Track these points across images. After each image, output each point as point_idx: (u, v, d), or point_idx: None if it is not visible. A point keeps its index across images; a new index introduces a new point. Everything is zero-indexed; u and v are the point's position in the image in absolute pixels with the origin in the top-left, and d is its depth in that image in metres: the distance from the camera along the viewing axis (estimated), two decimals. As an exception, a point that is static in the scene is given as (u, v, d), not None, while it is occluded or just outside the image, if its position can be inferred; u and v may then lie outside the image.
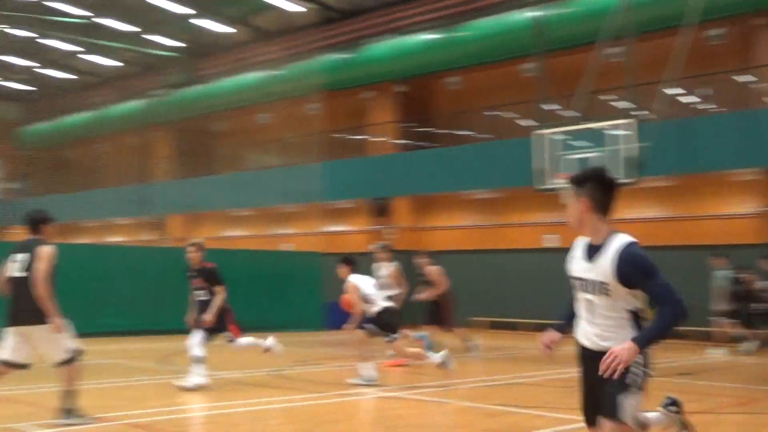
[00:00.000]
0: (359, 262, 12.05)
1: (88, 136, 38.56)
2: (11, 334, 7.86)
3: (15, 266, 7.94)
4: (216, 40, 32.66)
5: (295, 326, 21.31)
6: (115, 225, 37.73)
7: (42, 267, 7.81)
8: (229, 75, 31.44)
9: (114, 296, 20.32)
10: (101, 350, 16.41)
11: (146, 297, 20.40)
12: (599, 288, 4.18)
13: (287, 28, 30.34)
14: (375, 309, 11.53)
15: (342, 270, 11.74)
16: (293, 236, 30.10)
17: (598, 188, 4.24)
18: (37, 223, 8.12)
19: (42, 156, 41.66)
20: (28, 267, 7.84)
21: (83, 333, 19.12)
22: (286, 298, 23.18)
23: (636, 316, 4.19)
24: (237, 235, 32.26)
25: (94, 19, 31.05)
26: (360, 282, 11.66)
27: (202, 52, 33.53)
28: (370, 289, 11.70)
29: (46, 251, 7.90)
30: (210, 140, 34.89)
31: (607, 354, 3.99)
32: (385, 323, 11.49)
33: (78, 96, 39.46)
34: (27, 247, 8.00)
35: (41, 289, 7.74)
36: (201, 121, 34.07)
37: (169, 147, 35.36)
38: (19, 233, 34.47)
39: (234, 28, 31.55)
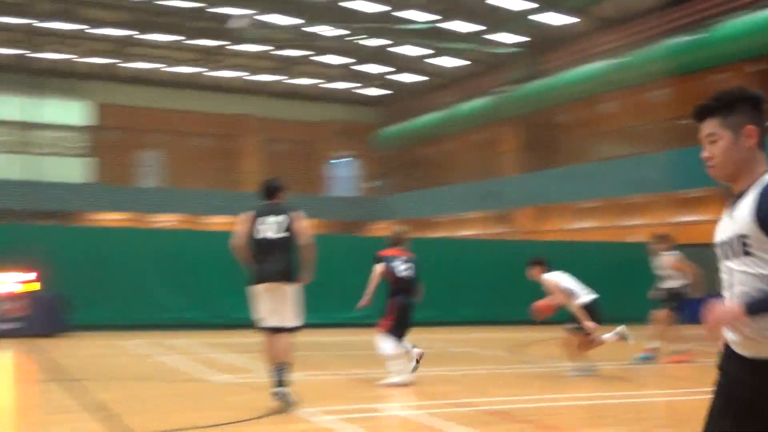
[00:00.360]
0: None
1: (438, 135, 40.43)
2: (264, 292, 8.30)
3: (268, 228, 8.33)
4: (558, 32, 32.77)
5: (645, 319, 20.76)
6: (466, 219, 39.24)
7: (307, 225, 8.40)
8: (572, 66, 31.38)
9: (467, 288, 21.19)
10: (455, 339, 17.28)
11: (497, 288, 21.03)
12: (737, 246, 2.92)
13: (629, 14, 29.63)
14: (580, 301, 11.12)
15: (533, 271, 11.41)
16: (641, 227, 29.32)
17: (757, 112, 3.02)
18: (276, 190, 8.57)
19: (397, 156, 44.46)
20: (287, 228, 8.32)
21: (440, 322, 20.26)
22: (635, 290, 22.66)
23: None
24: (584, 227, 32.10)
25: (440, 24, 32.63)
26: (558, 277, 11.34)
27: (545, 46, 33.81)
28: (571, 283, 11.32)
29: (301, 213, 8.44)
30: (555, 133, 35.04)
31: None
32: (594, 315, 11.10)
33: (427, 97, 41.58)
34: (279, 210, 8.43)
35: (311, 247, 8.31)
36: (545, 114, 34.35)
37: (514, 142, 36.07)
38: (383, 228, 37.15)
39: (576, 18, 31.44)
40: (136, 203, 36.84)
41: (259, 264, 8.34)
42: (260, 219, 8.39)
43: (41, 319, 16.29)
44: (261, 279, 8.31)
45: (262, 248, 8.31)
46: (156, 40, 36.69)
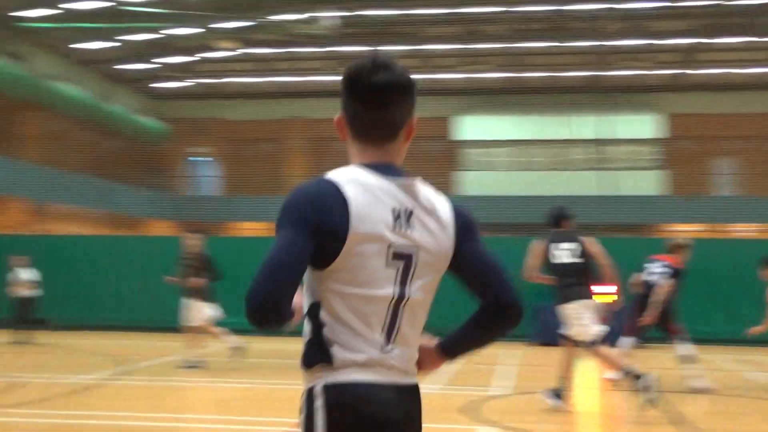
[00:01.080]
0: None
1: None
2: (583, 307, 8.99)
3: (565, 254, 9.12)
4: None
5: None
6: None
7: (602, 251, 9.32)
8: None
9: None
10: None
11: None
12: None
13: None
14: None
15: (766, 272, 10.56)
16: None
17: None
18: (560, 218, 9.40)
19: None
20: (581, 254, 9.14)
21: None
22: None
23: None
24: None
25: None
26: None
27: None
28: None
29: (592, 240, 9.42)
30: None
31: None
32: None
33: None
34: (572, 238, 9.26)
35: (611, 270, 9.31)
36: None
37: None
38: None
39: None
40: (711, 213, 36.01)
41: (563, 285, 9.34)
42: (555, 245, 9.37)
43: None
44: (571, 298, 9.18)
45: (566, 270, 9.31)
46: (726, 43, 35.58)
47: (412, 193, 2.41)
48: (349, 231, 2.30)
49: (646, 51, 36.70)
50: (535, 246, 9.28)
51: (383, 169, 2.41)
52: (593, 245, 9.22)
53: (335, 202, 2.32)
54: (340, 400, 2.33)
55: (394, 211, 2.37)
